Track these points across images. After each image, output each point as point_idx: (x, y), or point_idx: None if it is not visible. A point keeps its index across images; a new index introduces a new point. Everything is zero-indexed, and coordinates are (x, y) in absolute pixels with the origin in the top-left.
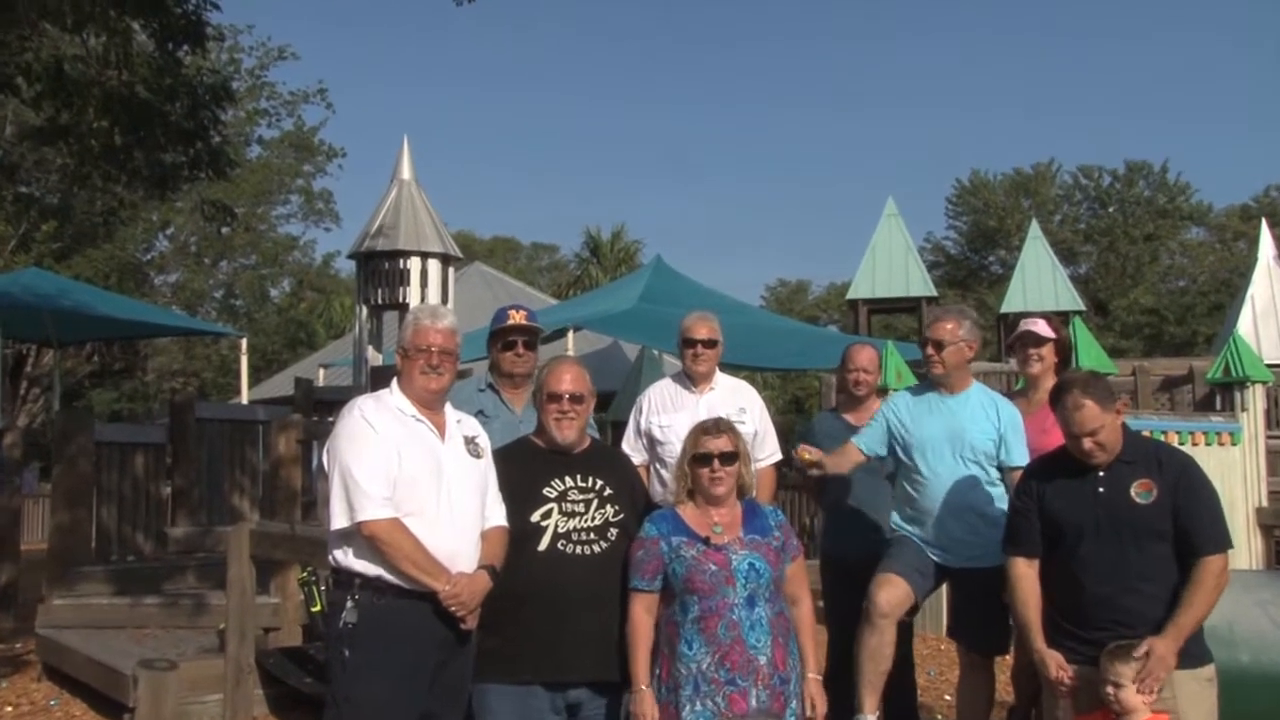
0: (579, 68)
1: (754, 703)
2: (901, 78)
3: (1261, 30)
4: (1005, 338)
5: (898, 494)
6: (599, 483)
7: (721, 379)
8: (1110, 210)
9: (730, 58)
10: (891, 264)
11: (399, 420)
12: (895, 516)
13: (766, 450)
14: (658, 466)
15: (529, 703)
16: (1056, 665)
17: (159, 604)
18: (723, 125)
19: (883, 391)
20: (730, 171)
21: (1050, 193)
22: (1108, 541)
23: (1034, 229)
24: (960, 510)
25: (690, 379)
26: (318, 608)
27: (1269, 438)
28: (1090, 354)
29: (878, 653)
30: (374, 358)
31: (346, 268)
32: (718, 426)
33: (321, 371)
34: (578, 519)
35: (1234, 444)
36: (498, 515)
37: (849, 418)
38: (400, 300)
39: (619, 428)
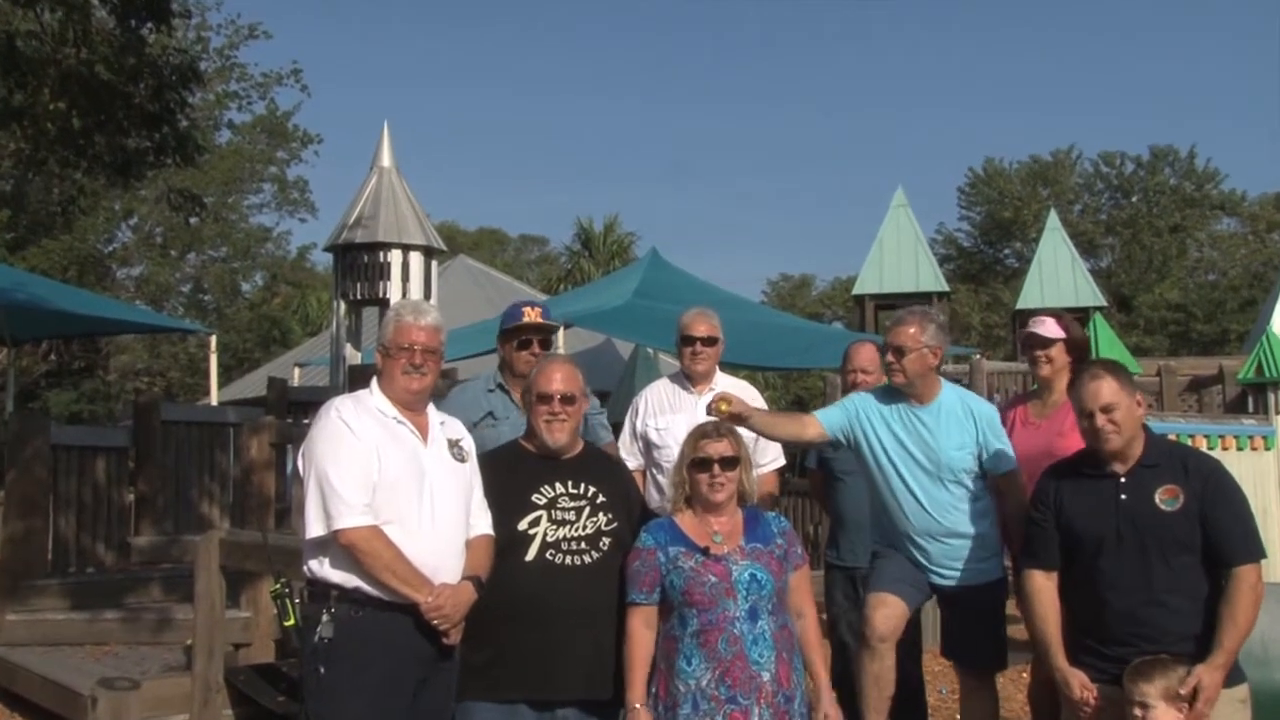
0: (569, 50)
1: None
2: (911, 62)
3: None
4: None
5: (871, 511)
6: (591, 489)
7: (721, 379)
8: (1134, 199)
9: (729, 40)
10: (900, 257)
11: (379, 422)
12: (875, 536)
13: (769, 455)
14: (654, 472)
15: None
16: (1080, 685)
17: (120, 619)
18: (721, 112)
19: None
20: (729, 160)
21: (1070, 181)
22: (1131, 552)
23: (1052, 220)
24: (939, 535)
25: (689, 379)
26: (291, 621)
27: None
28: (1112, 353)
29: (880, 679)
30: (352, 356)
31: (323, 261)
32: (717, 430)
33: (296, 371)
34: (568, 527)
35: (1268, 449)
36: (483, 523)
37: None
38: (380, 295)
39: (613, 431)
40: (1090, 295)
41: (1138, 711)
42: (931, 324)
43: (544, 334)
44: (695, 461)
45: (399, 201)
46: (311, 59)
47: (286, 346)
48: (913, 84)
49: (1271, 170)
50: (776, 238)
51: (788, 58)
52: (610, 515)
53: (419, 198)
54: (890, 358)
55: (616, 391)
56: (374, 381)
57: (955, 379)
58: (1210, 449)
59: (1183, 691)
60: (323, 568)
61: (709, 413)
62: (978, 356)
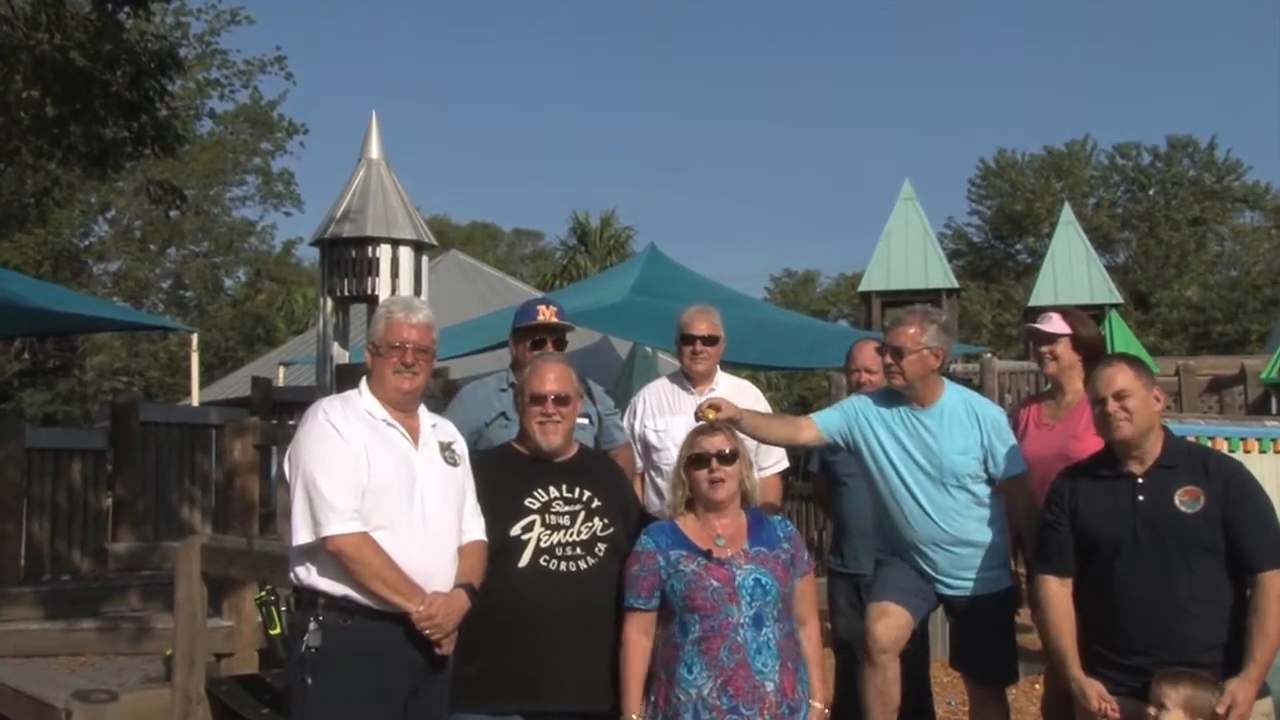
0: (565, 39)
1: None
2: (920, 48)
3: None
4: None
5: (874, 516)
6: (586, 493)
7: (722, 378)
8: (1151, 192)
9: (729, 28)
10: (908, 253)
11: (368, 424)
12: (878, 543)
13: (772, 458)
14: (653, 475)
15: None
16: (1098, 697)
17: (97, 628)
18: (722, 102)
19: None
20: (730, 152)
21: (1084, 173)
22: (1150, 556)
23: (1066, 213)
24: (946, 543)
25: (689, 378)
26: (276, 630)
27: None
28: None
29: (884, 692)
30: (339, 355)
31: (309, 256)
32: (713, 426)
33: (281, 370)
34: (562, 532)
35: None
36: (476, 529)
37: None
38: (369, 292)
39: None
40: (1106, 292)
41: (1152, 710)
42: (933, 325)
43: (558, 334)
44: (692, 458)
45: (388, 194)
46: (296, 45)
47: (271, 345)
48: (921, 72)
49: None
50: (779, 233)
51: (792, 45)
52: (606, 520)
53: (409, 190)
54: (889, 359)
55: (613, 392)
56: (363, 382)
57: (966, 379)
58: (1232, 451)
59: (1219, 710)
60: (310, 575)
61: (696, 420)
62: (989, 356)
